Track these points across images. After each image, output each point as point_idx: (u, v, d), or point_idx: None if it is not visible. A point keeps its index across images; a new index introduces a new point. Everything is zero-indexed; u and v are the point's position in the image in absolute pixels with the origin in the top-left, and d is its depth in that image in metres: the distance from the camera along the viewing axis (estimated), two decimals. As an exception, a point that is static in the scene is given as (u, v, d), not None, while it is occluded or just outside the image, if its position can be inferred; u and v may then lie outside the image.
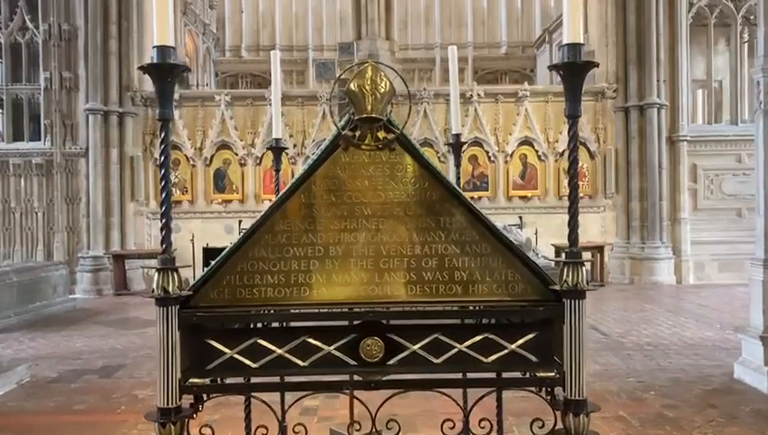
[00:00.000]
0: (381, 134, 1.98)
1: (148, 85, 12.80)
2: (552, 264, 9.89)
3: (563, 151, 12.61)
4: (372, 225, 1.99)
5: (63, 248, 12.41)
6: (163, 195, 1.89)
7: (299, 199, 1.99)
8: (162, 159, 1.89)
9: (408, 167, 2.01)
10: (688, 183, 12.64)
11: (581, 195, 12.65)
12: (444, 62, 19.71)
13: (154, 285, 1.85)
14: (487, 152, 12.67)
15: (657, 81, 12.32)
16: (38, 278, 9.72)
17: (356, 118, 1.95)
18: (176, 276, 1.87)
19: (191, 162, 12.64)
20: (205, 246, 11.63)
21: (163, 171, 1.89)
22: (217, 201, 12.74)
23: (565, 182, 12.67)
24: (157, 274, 1.86)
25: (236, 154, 12.68)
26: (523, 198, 12.73)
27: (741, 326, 5.94)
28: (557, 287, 1.92)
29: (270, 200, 11.11)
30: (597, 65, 1.96)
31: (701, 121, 13.09)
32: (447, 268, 1.98)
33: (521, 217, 12.13)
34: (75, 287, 11.89)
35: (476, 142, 12.49)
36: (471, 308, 2.05)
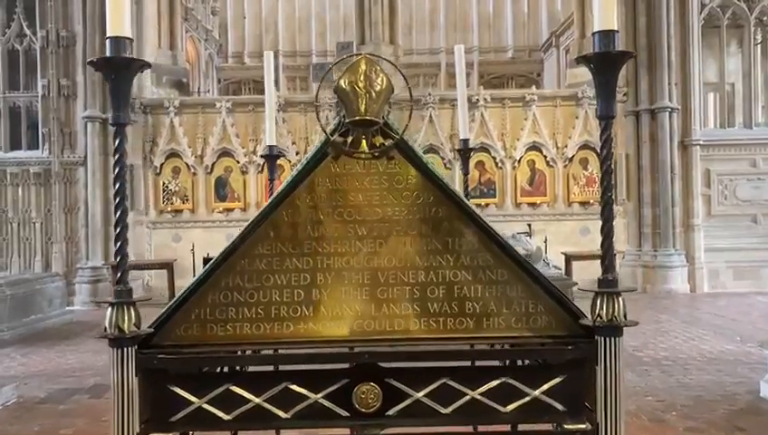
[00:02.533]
0: (378, 140, 1.67)
1: (148, 92, 12.58)
2: (563, 273, 9.57)
3: (572, 157, 12.30)
4: (368, 247, 1.68)
5: (62, 259, 12.14)
6: (118, 213, 1.58)
7: (281, 218, 1.69)
8: (117, 170, 1.59)
9: (410, 178, 1.70)
10: (701, 188, 12.27)
11: (591, 201, 12.36)
12: (449, 67, 19.43)
13: (106, 323, 1.55)
14: (494, 158, 12.34)
15: (669, 84, 11.96)
16: (33, 291, 9.44)
17: (347, 121, 1.65)
18: (132, 312, 1.57)
19: (192, 170, 12.36)
20: (205, 256, 11.38)
21: (118, 185, 1.59)
22: (219, 210, 12.45)
23: (575, 188, 12.35)
24: (109, 309, 1.55)
25: (238, 162, 12.39)
26: (532, 204, 12.39)
27: (766, 341, 5.60)
28: (588, 322, 1.60)
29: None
30: (634, 55, 1.65)
31: (712, 125, 12.75)
32: (457, 298, 1.67)
33: (529, 225, 11.77)
34: (74, 299, 11.62)
35: (483, 148, 12.16)
36: (485, 347, 1.73)
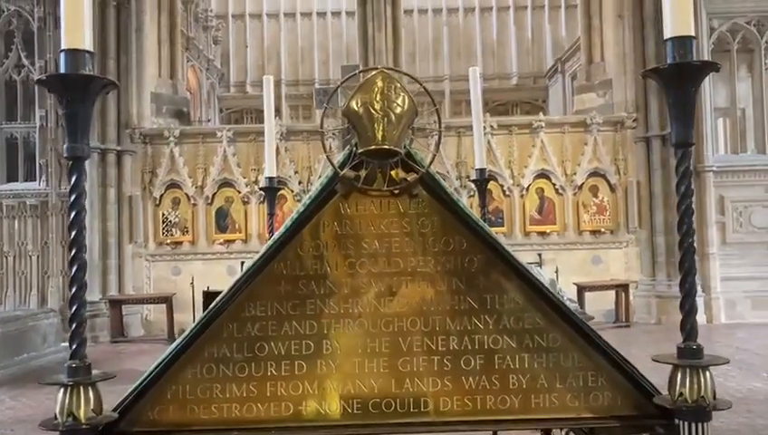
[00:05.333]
0: (397, 174, 1.36)
1: (148, 122, 12.35)
2: (579, 307, 9.22)
3: (582, 184, 12.00)
4: (386, 307, 1.35)
5: (58, 293, 11.80)
6: (74, 269, 1.26)
7: (278, 270, 1.36)
8: (73, 214, 1.27)
9: (437, 220, 1.38)
10: (716, 216, 11.94)
11: (602, 229, 12.04)
12: (454, 94, 19.29)
13: (57, 409, 1.22)
14: (502, 186, 12.04)
15: (680, 109, 11.69)
16: (26, 328, 9.09)
17: (360, 151, 1.33)
18: (91, 394, 1.24)
19: (192, 201, 12.07)
20: (205, 289, 11.04)
21: (74, 232, 1.27)
22: (219, 241, 12.13)
23: (585, 217, 12.03)
24: (61, 392, 1.22)
25: (239, 192, 12.11)
26: (541, 233, 12.05)
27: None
28: (666, 401, 1.27)
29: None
30: (718, 68, 1.33)
31: (723, 151, 12.46)
32: (498, 371, 1.34)
33: (540, 255, 11.45)
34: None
35: (491, 176, 11.80)
36: (535, 430, 1.39)
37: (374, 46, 12.81)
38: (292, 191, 11.94)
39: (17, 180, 12.04)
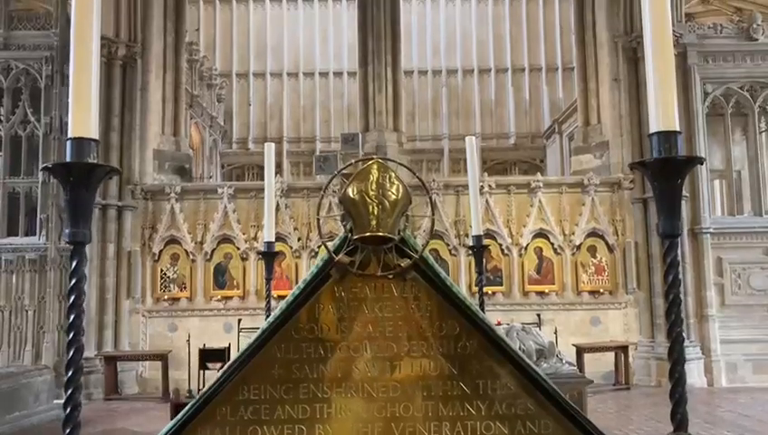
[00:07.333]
0: (391, 259, 1.39)
1: (149, 178, 12.46)
2: (578, 370, 9.10)
3: (580, 244, 12.04)
4: (379, 392, 1.36)
5: (53, 349, 11.68)
6: (71, 352, 1.28)
7: (272, 353, 1.38)
8: (73, 298, 1.30)
9: (430, 304, 1.40)
10: (714, 277, 11.94)
11: (600, 290, 12.02)
12: (452, 153, 19.50)
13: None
14: (500, 245, 12.07)
15: (676, 171, 11.82)
16: (18, 385, 8.96)
17: (355, 238, 1.36)
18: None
19: (191, 257, 12.08)
20: (201, 347, 10.96)
21: (73, 317, 1.29)
22: (217, 298, 12.08)
23: (584, 277, 12.02)
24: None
25: (238, 248, 12.13)
26: (540, 293, 12.02)
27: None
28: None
29: (277, 298, 10.39)
30: (702, 161, 1.37)
31: (720, 212, 12.56)
32: (491, 458, 1.34)
33: (539, 315, 11.40)
34: (63, 392, 11.09)
35: (489, 235, 11.90)
36: None
37: (374, 107, 13.05)
38: (291, 248, 11.97)
39: (17, 235, 12.08)
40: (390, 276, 1.39)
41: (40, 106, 12.18)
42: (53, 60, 12.16)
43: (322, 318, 1.40)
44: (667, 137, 1.27)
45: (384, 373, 1.37)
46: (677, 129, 1.28)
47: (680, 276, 1.33)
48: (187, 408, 1.37)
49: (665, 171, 1.28)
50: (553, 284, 12.03)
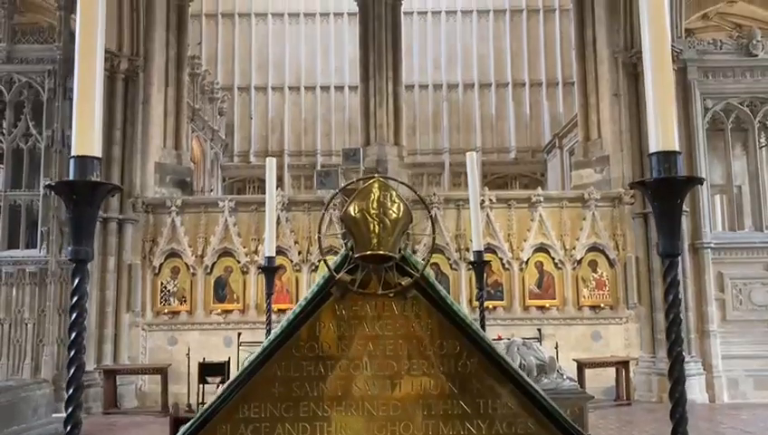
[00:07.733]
0: (392, 278, 1.39)
1: (151, 191, 12.48)
2: (578, 386, 9.05)
3: (581, 259, 12.03)
4: (379, 410, 1.36)
5: (53, 362, 11.63)
6: (72, 369, 1.28)
7: (273, 371, 1.38)
8: (74, 315, 1.30)
9: (431, 323, 1.40)
10: (715, 293, 11.91)
11: (601, 305, 11.99)
12: (453, 167, 19.55)
13: None
14: (501, 259, 12.06)
15: (676, 186, 11.82)
16: (17, 399, 8.90)
17: (356, 256, 1.36)
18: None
19: (191, 270, 12.07)
20: (201, 360, 10.92)
21: (74, 334, 1.29)
22: (217, 311, 12.05)
23: (584, 291, 12.00)
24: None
25: (239, 261, 12.12)
26: (541, 308, 11.99)
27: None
28: None
29: (277, 312, 10.38)
30: (702, 181, 1.38)
31: (720, 227, 12.55)
32: (491, 478, 1.33)
33: (539, 330, 11.37)
34: (62, 405, 11.03)
35: (489, 249, 11.89)
36: None
37: (375, 121, 13.10)
38: (292, 261, 11.97)
39: (18, 247, 12.07)
40: (391, 295, 1.39)
41: (42, 119, 12.20)
42: (56, 73, 12.20)
43: (323, 336, 1.40)
44: (667, 157, 1.28)
45: (384, 392, 1.37)
46: (677, 149, 1.29)
47: (680, 296, 1.33)
48: (187, 426, 1.37)
49: (664, 191, 1.28)
50: (554, 298, 12.01)
